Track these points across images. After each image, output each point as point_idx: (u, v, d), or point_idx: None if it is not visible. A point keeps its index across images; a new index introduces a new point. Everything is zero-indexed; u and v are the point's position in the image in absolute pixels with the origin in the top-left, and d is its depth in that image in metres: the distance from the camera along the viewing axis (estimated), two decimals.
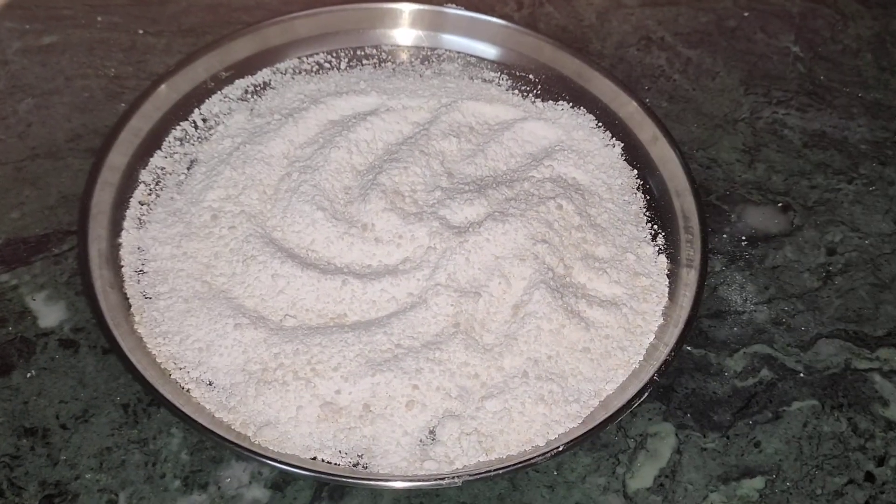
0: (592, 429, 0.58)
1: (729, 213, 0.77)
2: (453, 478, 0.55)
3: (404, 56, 0.86)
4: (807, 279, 0.73)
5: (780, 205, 0.78)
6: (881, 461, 0.63)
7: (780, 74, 0.90)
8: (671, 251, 0.72)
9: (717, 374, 0.67)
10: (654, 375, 0.61)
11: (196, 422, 0.57)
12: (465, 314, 0.65)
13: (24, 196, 0.73)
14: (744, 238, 0.76)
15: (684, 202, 0.73)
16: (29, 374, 0.62)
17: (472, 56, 0.86)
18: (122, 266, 0.67)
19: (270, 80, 0.83)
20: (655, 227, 0.74)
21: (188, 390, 0.61)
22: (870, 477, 0.62)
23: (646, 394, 0.60)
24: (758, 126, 0.85)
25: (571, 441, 0.58)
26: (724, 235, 0.76)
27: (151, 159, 0.75)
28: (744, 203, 0.78)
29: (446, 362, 0.63)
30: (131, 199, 0.72)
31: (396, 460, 0.59)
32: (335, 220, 0.70)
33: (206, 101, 0.80)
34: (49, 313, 0.66)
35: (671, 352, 0.63)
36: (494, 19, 0.85)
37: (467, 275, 0.67)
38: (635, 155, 0.79)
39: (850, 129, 0.85)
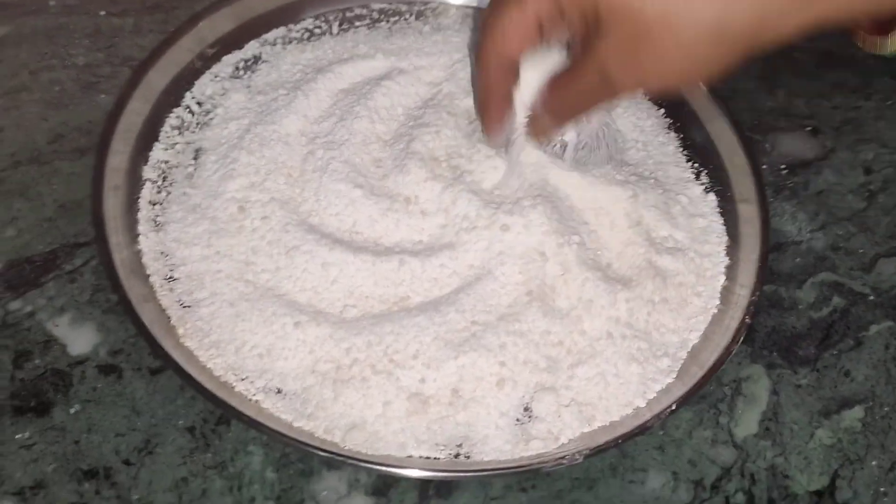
0: (700, 380, 0.56)
1: (763, 143, 0.75)
2: (574, 454, 0.52)
3: (396, 14, 0.80)
4: (851, 201, 0.72)
5: (808, 129, 0.77)
6: None
7: None
8: (718, 188, 0.70)
9: (791, 308, 0.65)
10: (744, 318, 0.59)
11: (283, 434, 0.52)
12: (535, 280, 0.61)
13: (15, 210, 0.64)
14: (783, 166, 0.74)
15: (723, 135, 0.71)
16: (73, 410, 0.55)
17: (469, 7, 0.81)
18: (149, 275, 0.60)
19: (261, 53, 0.75)
20: (696, 165, 0.71)
21: (257, 402, 0.55)
22: None
23: (741, 338, 0.58)
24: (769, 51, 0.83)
25: (682, 396, 0.55)
26: (764, 166, 0.74)
27: (151, 153, 0.67)
28: (774, 131, 0.76)
29: (528, 333, 0.59)
30: (140, 200, 0.64)
31: (499, 444, 0.55)
32: (375, 197, 0.64)
33: (196, 82, 0.72)
34: (78, 338, 0.58)
35: (754, 291, 0.61)
36: None
37: None
38: None
39: (854, 46, 0.84)
